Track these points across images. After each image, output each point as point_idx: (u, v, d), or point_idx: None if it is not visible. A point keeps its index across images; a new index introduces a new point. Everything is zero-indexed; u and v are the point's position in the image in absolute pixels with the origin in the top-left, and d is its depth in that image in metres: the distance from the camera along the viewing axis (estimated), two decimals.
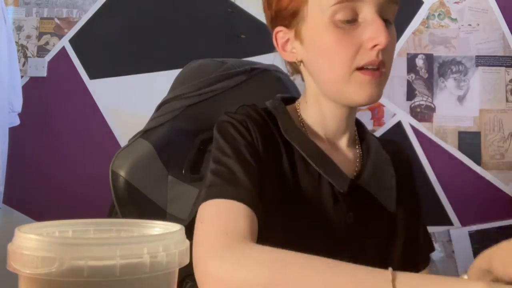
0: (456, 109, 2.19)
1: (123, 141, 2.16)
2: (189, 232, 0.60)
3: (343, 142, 0.84)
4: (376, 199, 0.81)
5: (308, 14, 0.76)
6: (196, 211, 0.71)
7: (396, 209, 0.82)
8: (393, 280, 0.51)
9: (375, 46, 0.72)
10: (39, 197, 2.17)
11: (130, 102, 2.20)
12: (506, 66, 2.21)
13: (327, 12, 0.73)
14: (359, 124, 0.90)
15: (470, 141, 2.19)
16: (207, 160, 1.08)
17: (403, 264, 0.84)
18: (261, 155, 0.76)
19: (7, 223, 2.08)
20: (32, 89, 2.21)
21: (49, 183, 2.18)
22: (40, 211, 2.15)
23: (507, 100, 2.21)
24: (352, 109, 0.82)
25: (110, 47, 2.25)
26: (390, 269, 0.52)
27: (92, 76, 2.25)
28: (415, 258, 0.87)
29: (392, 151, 0.90)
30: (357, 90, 0.74)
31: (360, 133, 0.89)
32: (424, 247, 0.90)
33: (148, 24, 2.25)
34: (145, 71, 2.23)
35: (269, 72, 1.14)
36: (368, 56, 0.72)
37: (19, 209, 2.18)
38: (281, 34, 0.81)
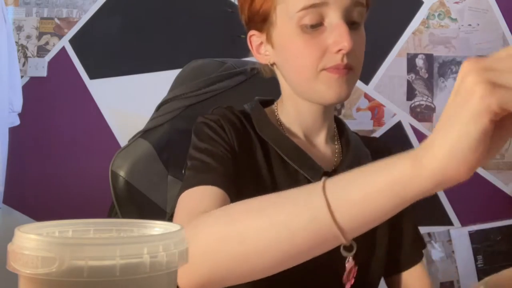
0: None
1: (123, 141, 2.16)
2: None
3: (321, 139, 0.86)
4: None
5: (277, 19, 0.78)
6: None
7: None
8: (324, 182, 0.52)
9: (339, 50, 0.74)
10: (39, 197, 2.17)
11: (130, 102, 2.20)
12: None
13: (294, 18, 0.75)
14: (338, 121, 0.92)
15: None
16: None
17: (390, 255, 0.87)
18: (235, 153, 0.78)
19: (7, 223, 2.08)
20: (32, 89, 2.21)
21: (49, 183, 2.18)
22: (40, 211, 2.15)
23: None
24: (326, 106, 0.84)
25: (110, 47, 2.25)
26: (323, 178, 0.53)
27: (92, 76, 2.25)
28: (404, 252, 0.90)
29: (374, 148, 0.92)
30: (325, 89, 0.76)
31: (339, 130, 0.91)
32: (415, 243, 0.92)
33: (148, 24, 2.25)
34: (145, 71, 2.23)
35: None
36: (334, 60, 0.75)
37: (19, 209, 2.18)
38: (254, 38, 0.85)
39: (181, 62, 1.26)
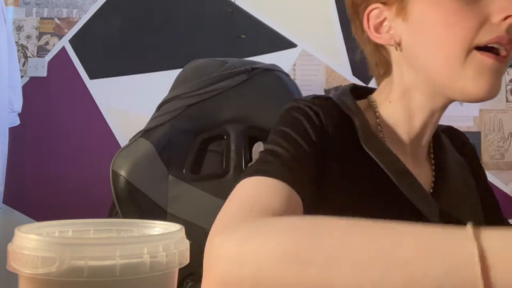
0: (456, 109, 2.19)
1: (123, 141, 2.15)
2: None
3: (422, 152, 0.73)
4: (461, 218, 0.68)
5: None
6: None
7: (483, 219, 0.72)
8: (477, 236, 0.37)
9: (507, 18, 0.59)
10: (39, 197, 2.17)
11: (130, 102, 2.20)
12: None
13: None
14: (436, 133, 0.78)
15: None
16: (208, 160, 1.08)
17: None
18: (329, 157, 0.65)
19: (7, 223, 2.08)
20: (32, 89, 2.21)
21: (49, 183, 2.18)
22: (40, 211, 2.15)
23: (507, 100, 2.21)
24: (443, 111, 0.71)
25: (110, 47, 2.25)
26: (468, 224, 0.38)
27: (92, 76, 2.25)
28: None
29: (457, 143, 0.80)
30: (475, 77, 0.60)
31: (435, 143, 0.77)
32: None
33: (148, 24, 2.25)
34: (145, 71, 2.23)
35: (270, 71, 1.14)
36: (496, 31, 0.59)
37: (19, 209, 2.18)
38: (376, 13, 0.69)
39: (181, 62, 1.26)
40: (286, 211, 0.53)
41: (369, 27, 0.70)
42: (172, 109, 1.05)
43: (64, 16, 2.29)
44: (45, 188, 2.18)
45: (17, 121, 2.08)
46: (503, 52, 0.61)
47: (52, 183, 2.18)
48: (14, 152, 2.09)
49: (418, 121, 0.70)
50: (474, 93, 0.61)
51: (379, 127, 0.71)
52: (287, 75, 1.17)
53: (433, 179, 0.72)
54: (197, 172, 1.06)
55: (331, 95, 0.73)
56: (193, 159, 1.05)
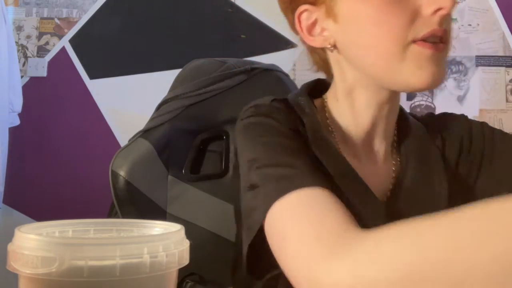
0: (456, 109, 2.19)
1: (123, 141, 2.15)
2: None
3: (380, 147, 0.70)
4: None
5: None
6: (258, 225, 0.56)
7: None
8: None
9: (437, 10, 0.58)
10: (39, 197, 2.17)
11: (130, 102, 2.20)
12: (506, 66, 2.21)
13: None
14: (399, 119, 0.73)
15: None
16: (207, 160, 1.08)
17: None
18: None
19: (7, 223, 2.08)
20: (32, 89, 2.21)
21: (49, 183, 2.18)
22: (40, 211, 2.15)
23: (507, 100, 2.21)
24: (392, 103, 0.68)
25: (110, 47, 2.25)
26: None
27: (92, 76, 2.25)
28: None
29: (443, 133, 0.76)
30: (415, 70, 0.59)
31: (399, 131, 0.73)
32: None
33: (148, 24, 2.25)
34: (145, 71, 2.23)
35: (270, 71, 1.14)
36: (429, 25, 0.58)
37: (19, 209, 2.18)
38: (306, 15, 0.66)
39: (181, 62, 1.26)
40: (347, 218, 0.51)
41: (302, 29, 0.67)
42: (171, 109, 1.05)
43: (64, 16, 2.29)
44: (45, 188, 2.18)
45: (17, 121, 2.08)
46: (440, 44, 0.60)
47: (52, 183, 2.18)
48: (14, 152, 2.09)
49: (366, 118, 0.68)
50: (418, 84, 0.60)
51: (330, 128, 0.70)
52: (286, 75, 1.16)
53: (394, 175, 0.69)
54: (196, 172, 1.05)
55: (291, 94, 0.73)
56: (192, 159, 1.05)
